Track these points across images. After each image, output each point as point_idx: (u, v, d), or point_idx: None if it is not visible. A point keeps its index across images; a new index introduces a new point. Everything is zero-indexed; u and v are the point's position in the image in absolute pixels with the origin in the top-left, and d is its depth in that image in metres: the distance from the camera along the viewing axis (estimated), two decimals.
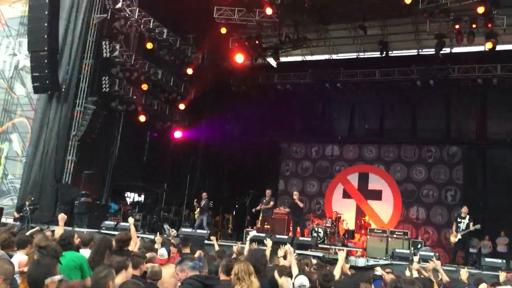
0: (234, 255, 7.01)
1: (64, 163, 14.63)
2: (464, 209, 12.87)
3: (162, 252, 5.76)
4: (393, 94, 19.67)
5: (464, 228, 12.46)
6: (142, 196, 17.60)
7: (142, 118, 16.79)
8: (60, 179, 14.49)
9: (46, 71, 14.48)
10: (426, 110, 19.87)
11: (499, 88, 17.54)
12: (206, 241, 11.59)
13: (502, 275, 7.00)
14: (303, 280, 4.54)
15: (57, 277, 3.00)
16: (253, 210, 14.81)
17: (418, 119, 19.96)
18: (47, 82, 14.65)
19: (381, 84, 19.01)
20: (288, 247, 5.99)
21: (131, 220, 7.33)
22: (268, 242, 6.30)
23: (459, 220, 12.67)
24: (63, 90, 15.09)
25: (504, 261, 11.73)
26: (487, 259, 12.19)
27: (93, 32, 15.15)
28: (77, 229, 12.10)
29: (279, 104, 21.20)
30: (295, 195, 14.04)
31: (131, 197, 17.42)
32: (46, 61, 14.37)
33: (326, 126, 21.78)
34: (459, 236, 12.49)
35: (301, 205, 13.84)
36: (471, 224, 12.39)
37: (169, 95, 17.83)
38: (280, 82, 20.27)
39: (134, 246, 6.28)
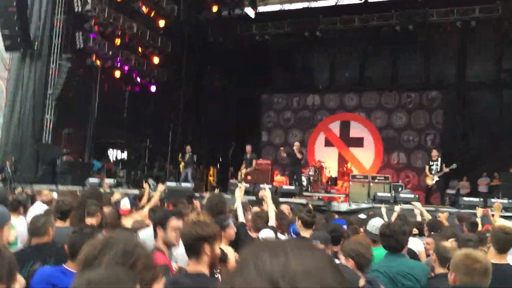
0: None
1: (43, 122, 14.44)
2: (434, 153, 13.36)
3: (125, 202, 5.67)
4: (373, 41, 19.54)
5: (438, 170, 12.82)
6: (125, 153, 17.52)
7: (117, 74, 16.49)
8: (39, 139, 14.33)
9: (17, 28, 14.01)
10: (406, 56, 19.91)
11: (478, 31, 17.55)
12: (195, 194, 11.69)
13: (479, 211, 7.24)
14: (268, 233, 4.51)
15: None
16: (240, 173, 14.75)
17: (398, 65, 20.02)
18: (19, 39, 14.22)
19: (361, 31, 18.82)
20: (263, 191, 5.94)
21: (146, 186, 7.32)
22: (242, 185, 6.22)
23: (431, 163, 13.07)
24: (36, 47, 14.69)
25: (481, 199, 12.15)
26: (465, 198, 12.60)
27: None
28: (61, 187, 12.11)
29: (258, 56, 20.92)
30: (296, 145, 14.10)
31: (114, 154, 17.33)
32: (15, 17, 13.88)
33: (306, 76, 21.70)
34: (436, 178, 12.84)
35: (299, 156, 13.95)
36: (444, 165, 12.77)
37: (146, 49, 17.45)
38: (259, 33, 19.92)
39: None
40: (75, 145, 15.04)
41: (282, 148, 15.17)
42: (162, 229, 3.28)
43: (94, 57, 15.44)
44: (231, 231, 4.09)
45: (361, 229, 5.42)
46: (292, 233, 5.02)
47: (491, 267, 2.83)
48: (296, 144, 14.38)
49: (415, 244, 4.91)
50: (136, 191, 12.72)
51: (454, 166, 12.85)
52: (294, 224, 5.04)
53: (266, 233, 4.61)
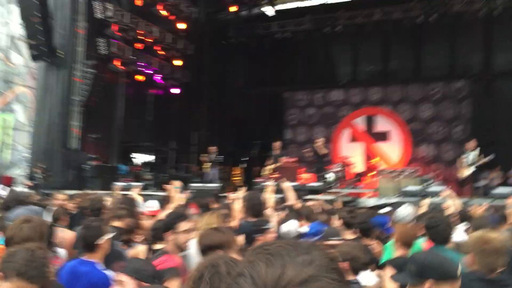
0: None
1: (70, 128, 14.68)
2: (470, 144, 12.90)
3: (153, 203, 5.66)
4: (395, 33, 19.23)
5: (473, 161, 12.49)
6: (152, 156, 17.68)
7: (141, 78, 16.67)
8: (67, 145, 14.58)
9: (41, 37, 14.28)
10: (430, 47, 19.51)
11: (502, 19, 17.08)
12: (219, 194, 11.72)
13: (510, 201, 7.02)
14: (292, 225, 4.32)
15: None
16: (263, 170, 14.78)
17: (422, 56, 19.66)
18: (44, 49, 14.50)
19: (382, 24, 18.55)
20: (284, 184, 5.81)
21: (169, 187, 7.31)
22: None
23: (464, 155, 12.74)
24: (62, 56, 14.95)
25: None
26: (498, 190, 12.28)
27: None
28: (90, 191, 12.28)
29: (279, 53, 20.87)
30: (319, 141, 14.09)
31: (140, 157, 17.50)
32: (40, 27, 14.15)
33: (328, 71, 21.49)
34: (471, 169, 12.53)
35: (325, 151, 13.93)
36: (480, 156, 12.43)
37: (167, 52, 17.59)
38: (278, 31, 19.86)
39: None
40: (102, 149, 15.26)
41: (305, 150, 15.08)
42: (172, 233, 3.37)
43: (117, 62, 15.64)
44: (270, 236, 3.88)
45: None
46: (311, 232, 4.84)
47: (505, 247, 2.83)
48: (320, 140, 14.32)
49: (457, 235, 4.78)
50: (164, 193, 12.83)
51: (492, 156, 12.52)
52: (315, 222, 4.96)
53: (289, 225, 4.47)
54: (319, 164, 14.31)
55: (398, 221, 4.53)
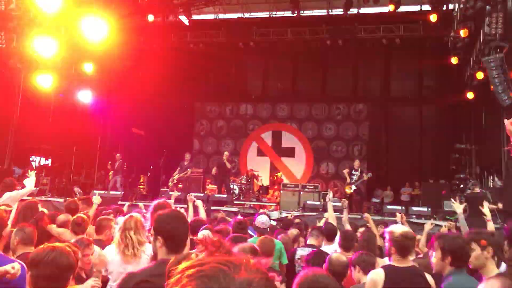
0: None
1: None
2: (356, 163, 14.48)
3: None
4: (304, 54, 20.09)
5: (356, 179, 13.68)
6: (49, 160, 16.73)
7: (47, 81, 15.70)
8: None
9: None
10: (335, 69, 20.67)
11: (402, 48, 18.54)
12: (119, 202, 11.38)
13: (398, 216, 7.61)
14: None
15: None
16: (171, 180, 14.70)
17: (327, 78, 20.73)
18: None
19: (293, 44, 19.32)
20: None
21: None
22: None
23: (353, 172, 13.86)
24: None
25: (403, 207, 12.84)
26: (389, 207, 13.27)
27: None
28: None
29: (192, 64, 20.82)
30: (225, 155, 14.61)
31: (37, 160, 16.49)
32: None
33: (239, 85, 21.89)
34: (353, 187, 13.67)
35: (229, 166, 14.36)
36: (364, 174, 13.70)
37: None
38: (193, 41, 19.85)
39: None
40: None
41: (226, 153, 15.27)
42: None
43: (17, 58, 14.65)
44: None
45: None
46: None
47: None
48: (226, 153, 14.80)
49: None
50: (60, 200, 12.20)
51: (369, 174, 13.90)
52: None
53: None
54: (223, 176, 14.58)
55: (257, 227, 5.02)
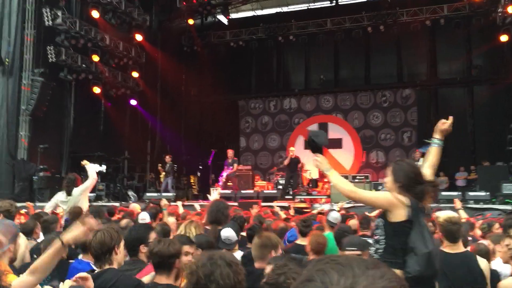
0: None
1: (18, 139, 14.17)
2: (417, 154, 14.05)
3: (144, 216, 5.67)
4: (345, 43, 19.79)
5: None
6: (104, 166, 17.28)
7: (97, 90, 16.23)
8: (15, 156, 14.06)
9: None
10: (379, 56, 20.22)
11: (447, 29, 17.94)
12: (172, 203, 11.62)
13: (457, 203, 7.37)
14: (230, 233, 4.16)
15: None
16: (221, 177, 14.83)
17: (371, 65, 20.33)
18: None
19: (333, 34, 19.07)
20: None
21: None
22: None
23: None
24: (7, 63, 14.41)
25: (460, 193, 12.41)
26: (444, 193, 12.86)
27: (31, 0, 14.38)
28: (39, 204, 11.87)
29: (233, 62, 21.03)
30: (291, 151, 14.37)
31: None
32: None
33: (282, 79, 21.87)
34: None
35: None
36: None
37: (120, 61, 17.29)
38: (233, 39, 20.00)
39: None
40: (52, 160, 14.76)
41: (292, 148, 15.16)
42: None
43: (67, 70, 15.24)
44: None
45: None
46: (286, 242, 5.06)
47: None
48: (292, 149, 14.55)
49: None
50: (116, 204, 12.60)
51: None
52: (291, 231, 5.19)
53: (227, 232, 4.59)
54: (293, 172, 14.50)
55: (330, 225, 4.89)
